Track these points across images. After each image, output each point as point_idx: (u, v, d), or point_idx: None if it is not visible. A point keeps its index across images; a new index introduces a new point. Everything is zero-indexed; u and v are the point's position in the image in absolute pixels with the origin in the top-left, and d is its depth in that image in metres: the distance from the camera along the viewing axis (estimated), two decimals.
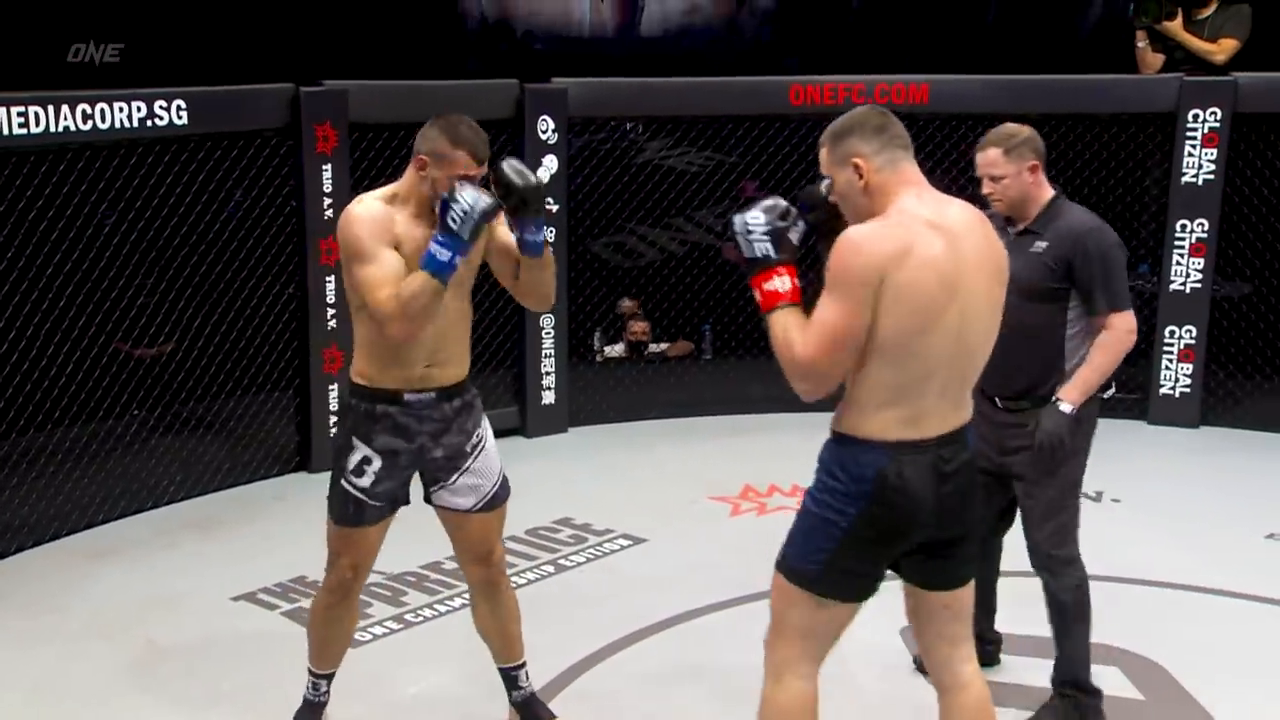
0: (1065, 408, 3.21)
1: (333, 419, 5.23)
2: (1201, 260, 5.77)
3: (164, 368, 5.23)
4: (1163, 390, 5.89)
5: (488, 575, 3.23)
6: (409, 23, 7.63)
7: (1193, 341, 5.83)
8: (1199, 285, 5.79)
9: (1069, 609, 3.31)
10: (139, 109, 4.57)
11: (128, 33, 6.20)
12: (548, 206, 5.70)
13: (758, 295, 2.48)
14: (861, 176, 2.44)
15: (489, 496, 3.15)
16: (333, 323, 5.21)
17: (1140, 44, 6.33)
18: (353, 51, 7.10)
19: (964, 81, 5.91)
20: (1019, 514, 3.42)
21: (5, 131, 4.20)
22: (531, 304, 3.14)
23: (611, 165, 6.10)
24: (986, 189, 3.27)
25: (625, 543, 4.64)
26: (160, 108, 4.64)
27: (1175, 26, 6.18)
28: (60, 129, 4.34)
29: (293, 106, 5.03)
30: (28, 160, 4.42)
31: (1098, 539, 4.68)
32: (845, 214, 2.49)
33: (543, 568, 4.45)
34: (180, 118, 4.69)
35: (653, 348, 6.61)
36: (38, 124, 4.28)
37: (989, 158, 3.24)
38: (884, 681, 3.62)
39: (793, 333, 2.42)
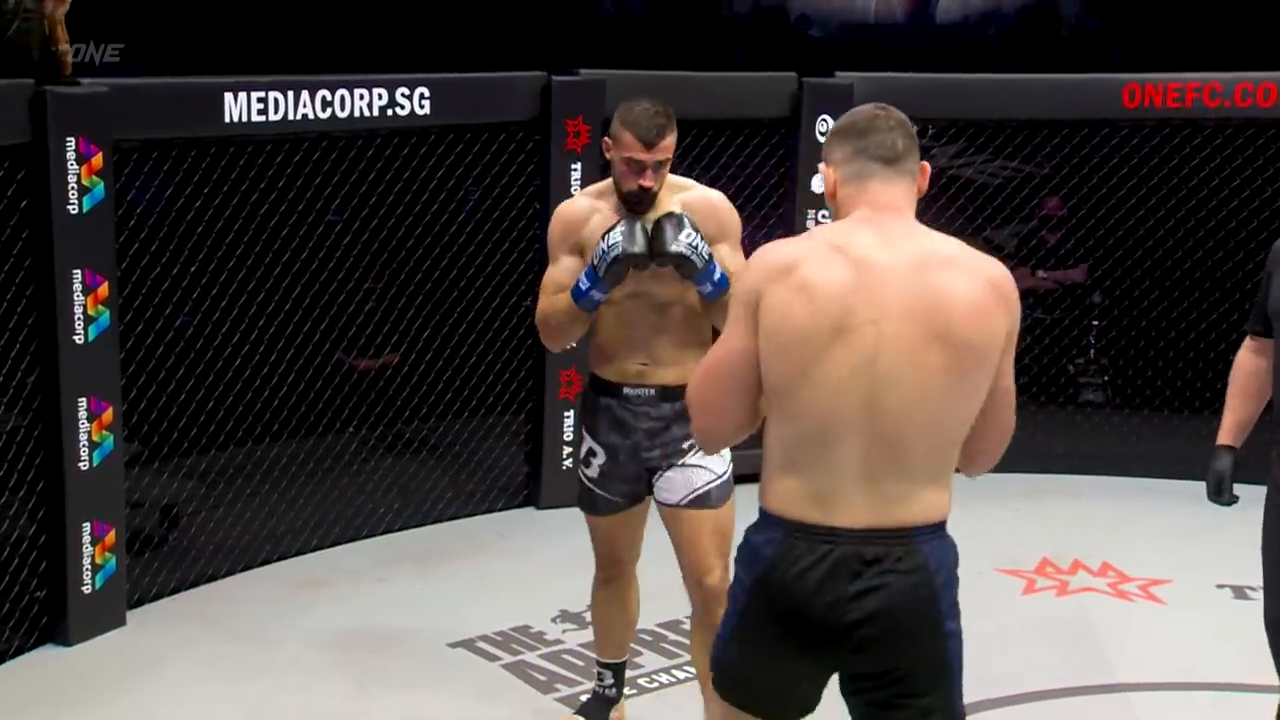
0: None
1: (567, 449, 5.32)
2: None
3: (387, 382, 5.42)
4: None
5: (703, 599, 3.30)
6: (667, 3, 7.76)
7: None
8: None
9: None
10: (380, 96, 4.77)
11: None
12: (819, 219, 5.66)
13: None
14: (827, 184, 2.34)
15: (699, 491, 3.25)
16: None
17: None
18: (598, 36, 7.26)
19: None
20: None
21: (243, 118, 4.45)
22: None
23: None
24: None
25: None
26: (402, 95, 4.83)
27: None
28: (299, 116, 4.58)
29: (543, 97, 5.15)
30: (263, 150, 4.69)
31: None
32: None
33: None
34: (422, 107, 4.87)
35: None
36: (276, 111, 4.53)
37: None
38: None
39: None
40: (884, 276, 2.19)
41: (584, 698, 3.87)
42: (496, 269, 5.38)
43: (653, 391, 3.27)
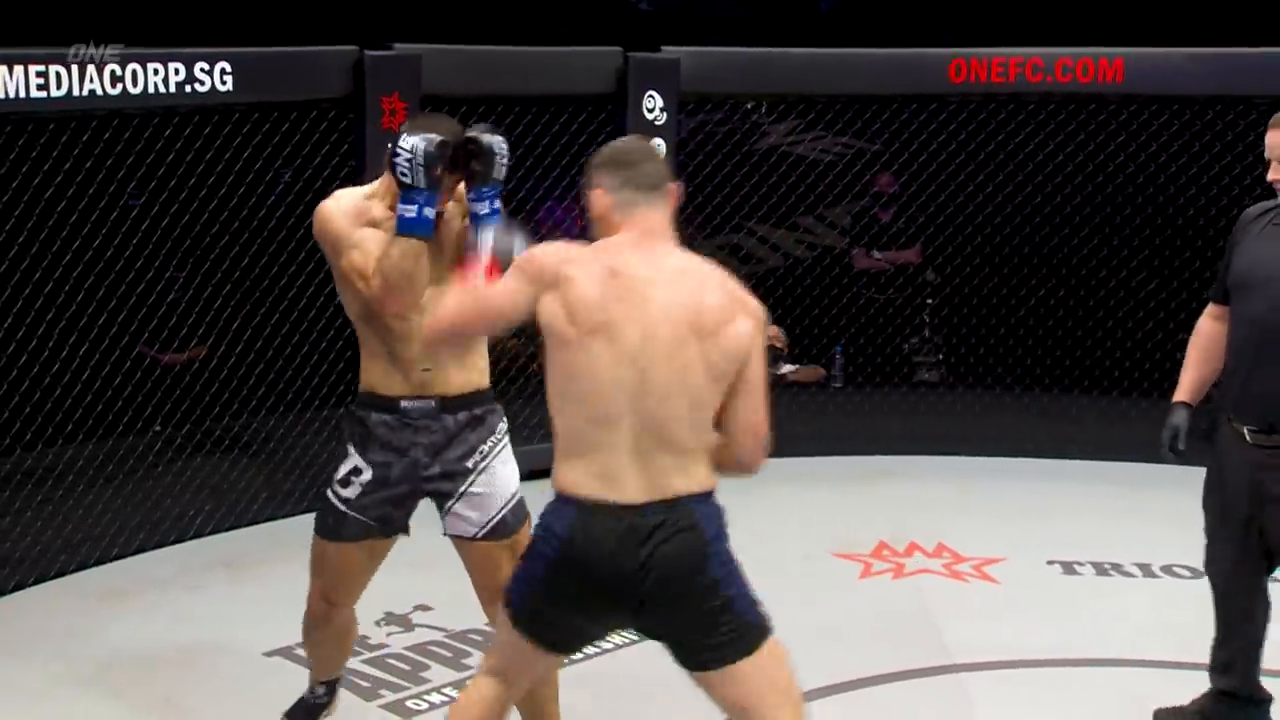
0: None
1: None
2: None
3: (195, 377, 5.28)
4: None
5: None
6: None
7: None
8: None
9: None
10: (176, 71, 4.60)
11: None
12: None
13: None
14: (598, 208, 2.78)
15: (493, 522, 3.23)
16: None
17: None
18: (424, 12, 7.16)
19: (1168, 55, 5.74)
20: None
21: (21, 94, 4.25)
22: None
23: (730, 151, 6.03)
24: (1275, 175, 3.26)
25: None
26: (201, 71, 4.66)
27: None
28: (85, 93, 4.38)
29: (356, 73, 5.04)
30: (46, 129, 4.49)
31: None
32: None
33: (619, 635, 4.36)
34: (224, 83, 4.71)
35: (774, 370, 6.53)
36: (59, 86, 4.33)
37: None
38: None
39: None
40: (645, 288, 2.68)
41: (409, 703, 3.82)
42: (310, 255, 5.24)
43: (434, 403, 3.19)
